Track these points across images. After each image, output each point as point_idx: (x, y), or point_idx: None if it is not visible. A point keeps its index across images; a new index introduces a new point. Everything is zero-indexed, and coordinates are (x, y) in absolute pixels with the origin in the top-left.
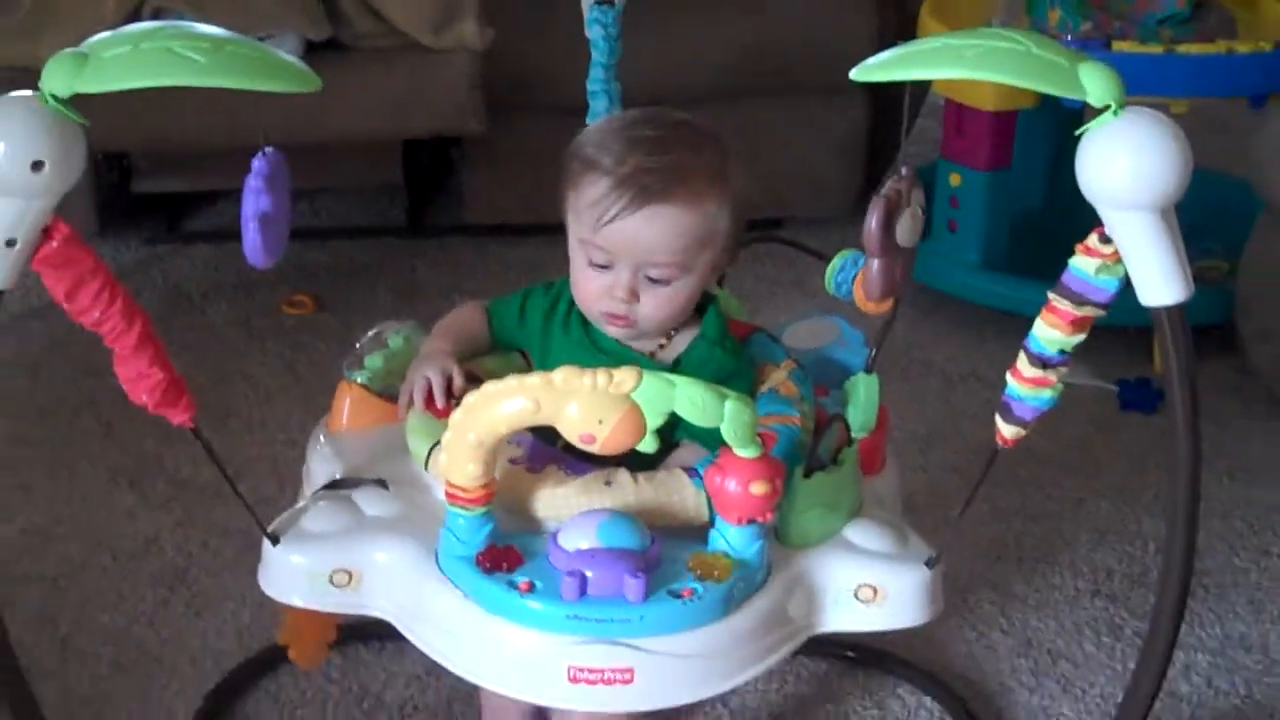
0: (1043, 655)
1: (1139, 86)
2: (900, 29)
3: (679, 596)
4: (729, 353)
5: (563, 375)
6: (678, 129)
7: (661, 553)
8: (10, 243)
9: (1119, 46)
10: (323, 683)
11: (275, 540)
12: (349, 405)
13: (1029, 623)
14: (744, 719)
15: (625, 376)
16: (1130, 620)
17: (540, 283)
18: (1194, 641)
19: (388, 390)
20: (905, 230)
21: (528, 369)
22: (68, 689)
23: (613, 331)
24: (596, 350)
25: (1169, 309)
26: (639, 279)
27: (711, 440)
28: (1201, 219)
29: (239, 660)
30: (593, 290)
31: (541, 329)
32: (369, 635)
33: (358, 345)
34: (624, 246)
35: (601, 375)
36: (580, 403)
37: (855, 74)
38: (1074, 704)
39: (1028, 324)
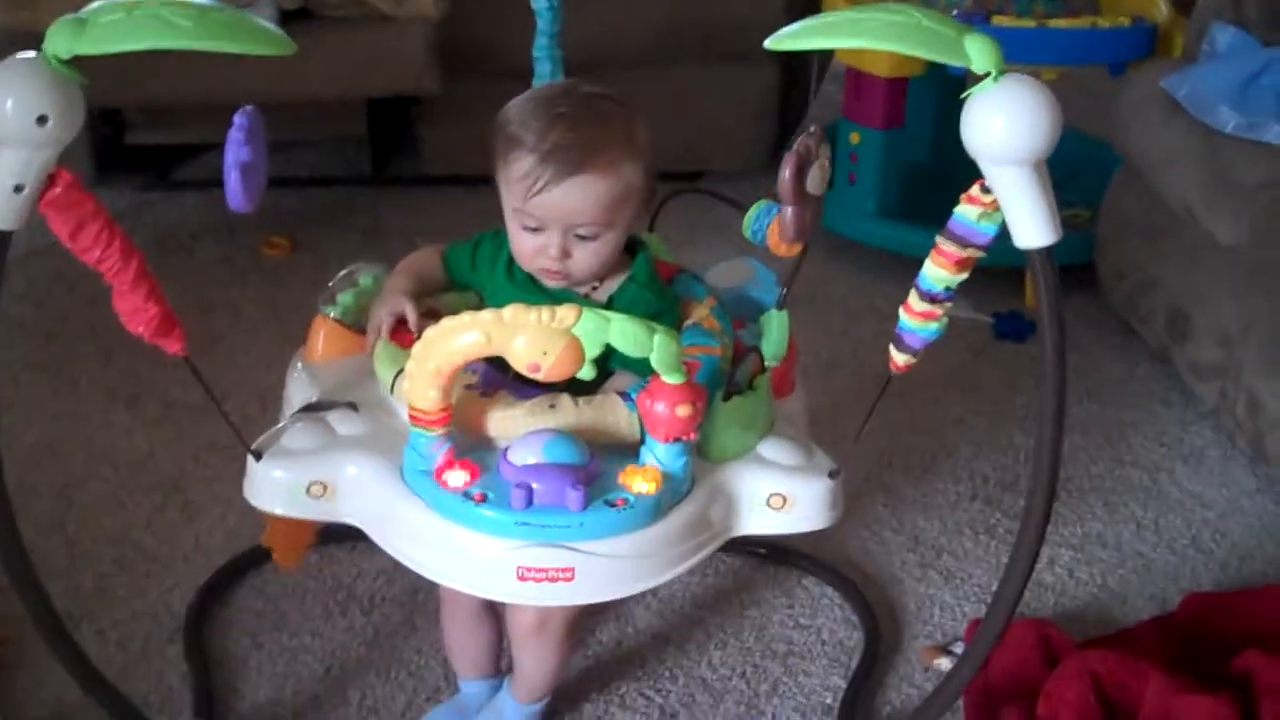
0: (928, 550)
1: (1015, 56)
2: (807, 3)
3: (614, 505)
4: (656, 294)
5: (511, 312)
6: (589, 103)
7: (599, 467)
8: (18, 188)
9: (998, 20)
10: (301, 578)
11: (258, 456)
12: (323, 337)
13: (916, 522)
14: (670, 608)
15: (566, 313)
16: (1003, 520)
17: (491, 229)
18: (1058, 539)
19: (358, 324)
20: (815, 180)
21: (481, 305)
22: (76, 585)
23: (550, 283)
24: (539, 293)
25: (1040, 250)
26: (569, 238)
27: (642, 369)
28: (1066, 172)
29: (227, 558)
30: (528, 250)
31: (489, 274)
32: (343, 536)
33: (331, 283)
34: (552, 214)
35: (546, 312)
36: (527, 336)
37: (769, 43)
38: (954, 592)
39: (918, 264)
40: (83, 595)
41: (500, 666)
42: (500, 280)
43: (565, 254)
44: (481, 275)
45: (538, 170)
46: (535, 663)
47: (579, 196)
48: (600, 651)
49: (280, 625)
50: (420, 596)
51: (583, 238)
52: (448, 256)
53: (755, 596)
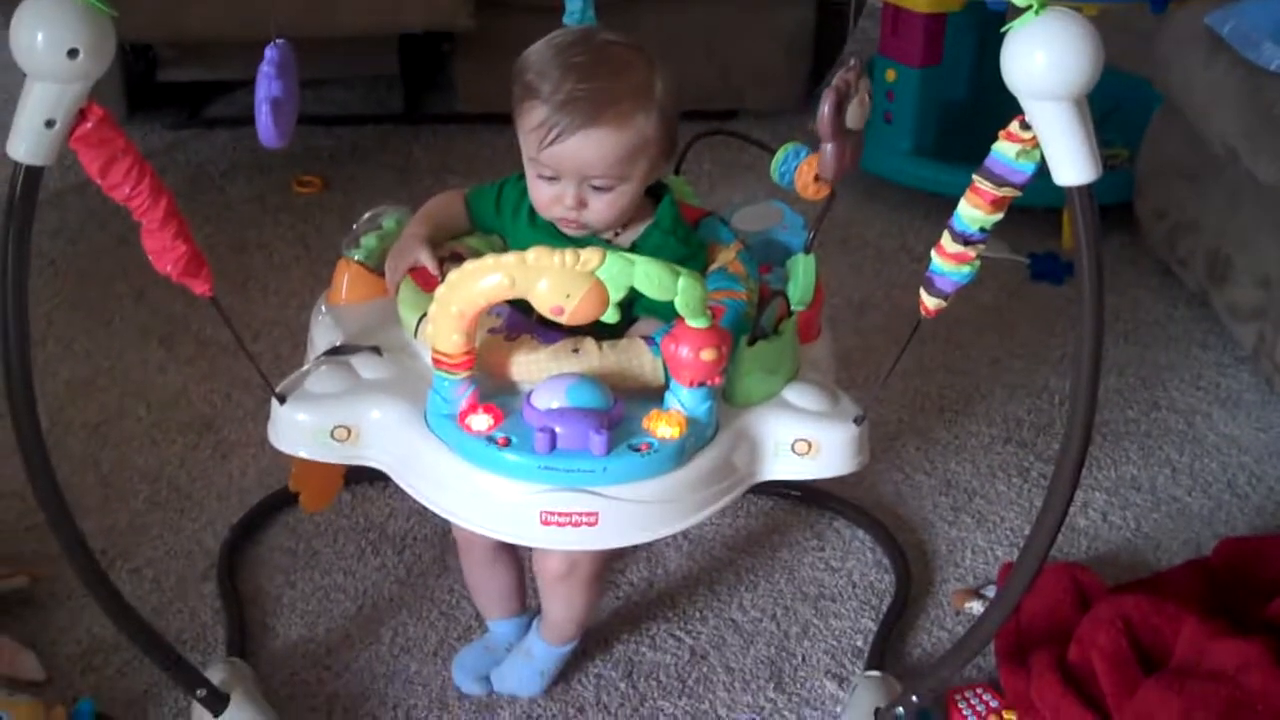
0: (960, 494)
1: None
2: None
3: (637, 450)
4: (680, 241)
5: (535, 254)
6: (606, 52)
7: (623, 412)
8: (50, 123)
9: None
10: (333, 517)
11: (282, 400)
12: (347, 280)
13: (949, 465)
14: (701, 549)
15: (590, 255)
16: (1037, 464)
17: (515, 172)
18: (1092, 482)
19: (382, 267)
20: (854, 115)
21: (505, 248)
22: (110, 523)
23: (568, 231)
24: (562, 239)
25: (1080, 187)
26: (584, 188)
27: (667, 313)
28: (1106, 111)
29: (260, 497)
30: (545, 199)
31: (512, 219)
32: (374, 476)
33: (355, 226)
34: (565, 165)
35: (569, 254)
36: (550, 279)
37: None
38: (987, 535)
39: (953, 204)
40: (117, 533)
41: (526, 603)
42: (523, 226)
43: (581, 204)
44: (505, 220)
45: (551, 120)
46: (563, 607)
47: (593, 148)
48: (631, 592)
49: (313, 564)
50: (452, 536)
51: (598, 189)
52: (470, 200)
53: (786, 539)
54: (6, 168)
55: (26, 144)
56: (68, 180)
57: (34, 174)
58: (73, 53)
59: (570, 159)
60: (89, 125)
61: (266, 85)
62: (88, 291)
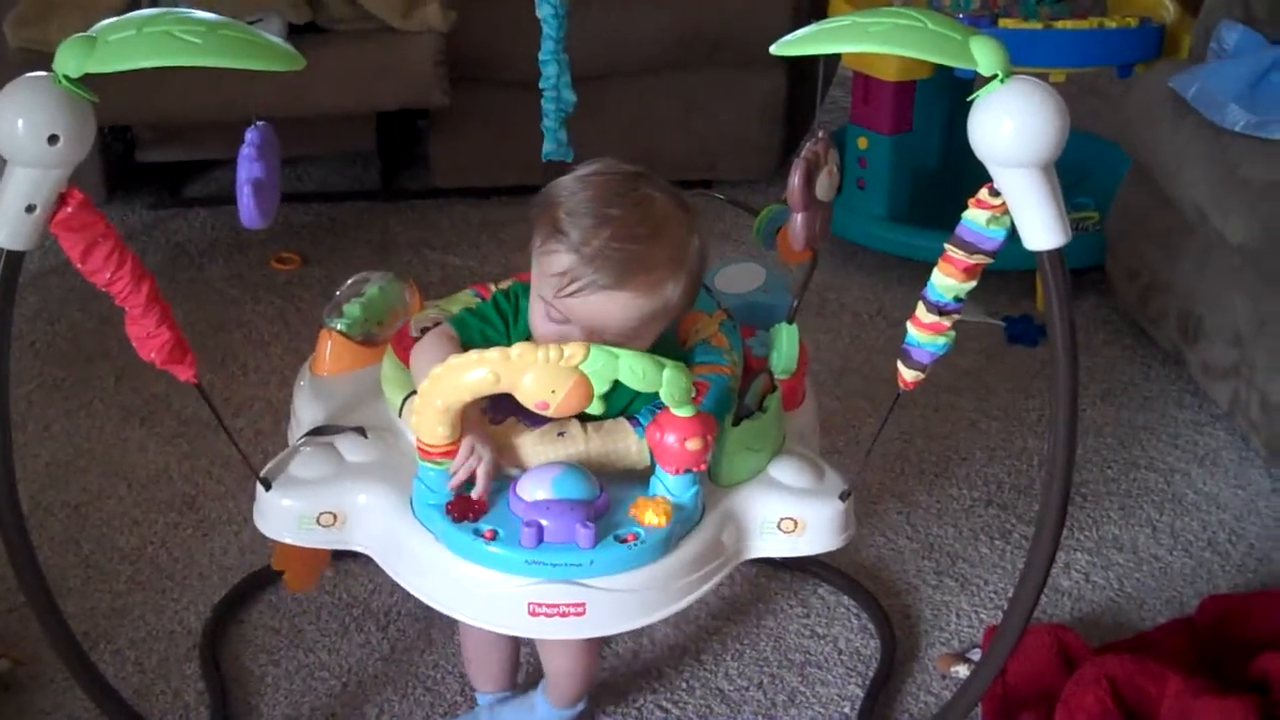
0: (943, 557)
1: (1022, 58)
2: (814, 8)
3: (624, 541)
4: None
5: (519, 350)
6: (645, 208)
7: (609, 500)
8: (30, 208)
9: (1005, 23)
10: (316, 593)
11: (267, 485)
12: (330, 351)
13: (930, 529)
14: (686, 618)
15: (575, 350)
16: (1018, 525)
17: (497, 293)
18: (1073, 543)
19: (365, 336)
20: (823, 187)
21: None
22: (91, 604)
23: None
24: None
25: (1049, 252)
26: (593, 338)
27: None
28: (1077, 174)
29: (242, 575)
30: (548, 334)
31: (512, 326)
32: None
33: (338, 293)
34: (580, 316)
35: (554, 349)
36: (535, 374)
37: (774, 49)
38: (970, 598)
39: (928, 269)
40: (99, 614)
41: (517, 680)
42: (523, 329)
43: None
44: (500, 334)
45: (576, 272)
46: (562, 667)
47: (616, 310)
48: (617, 664)
49: (296, 642)
50: (436, 613)
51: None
52: (458, 330)
53: (771, 606)
54: None
55: (7, 229)
56: (47, 262)
57: (15, 259)
58: (53, 139)
59: (587, 313)
60: (69, 210)
61: (248, 167)
62: (67, 373)
